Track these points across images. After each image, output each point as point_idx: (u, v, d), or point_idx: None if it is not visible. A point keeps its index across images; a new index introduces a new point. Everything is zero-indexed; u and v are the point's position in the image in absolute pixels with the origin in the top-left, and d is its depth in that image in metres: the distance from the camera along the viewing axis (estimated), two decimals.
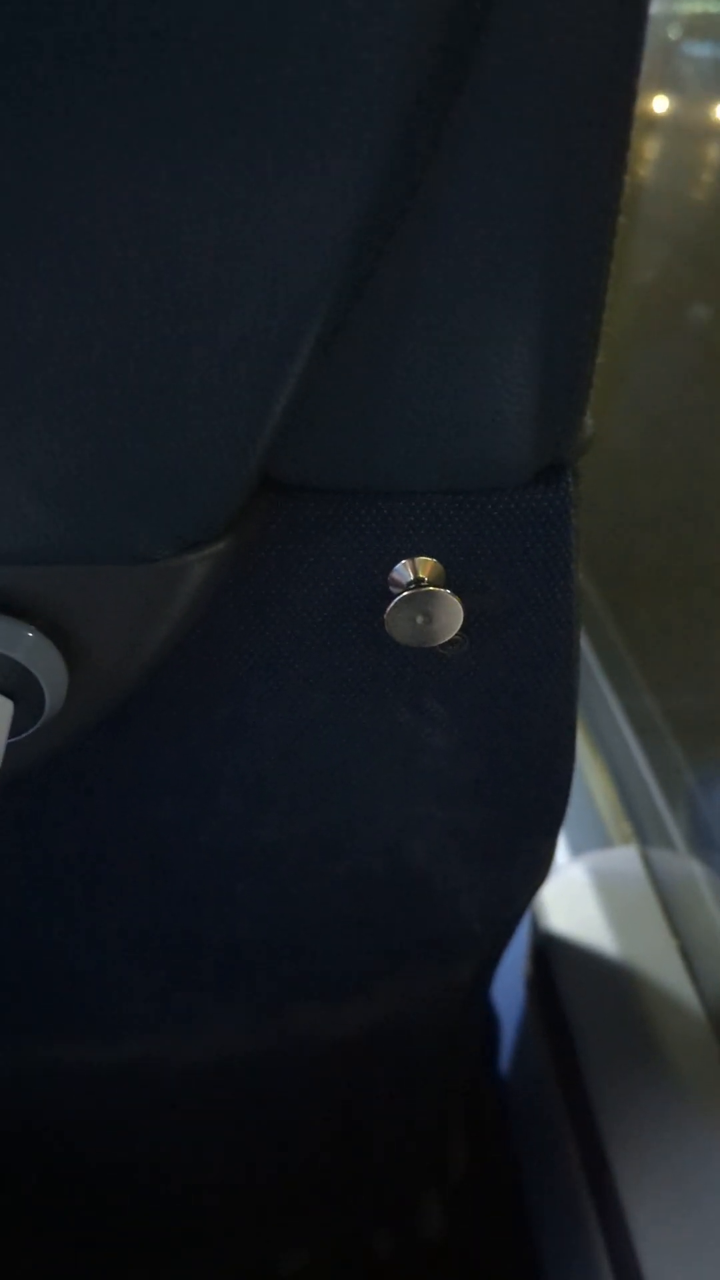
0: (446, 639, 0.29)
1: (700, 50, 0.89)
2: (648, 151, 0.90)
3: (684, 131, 0.91)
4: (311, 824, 0.37)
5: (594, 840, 0.75)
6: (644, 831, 0.73)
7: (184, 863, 0.38)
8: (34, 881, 0.38)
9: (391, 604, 0.29)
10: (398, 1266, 0.63)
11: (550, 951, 0.58)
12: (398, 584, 0.29)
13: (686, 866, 0.64)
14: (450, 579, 0.30)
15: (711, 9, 0.87)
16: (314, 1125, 0.56)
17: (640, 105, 0.21)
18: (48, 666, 0.26)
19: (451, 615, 0.29)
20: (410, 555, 0.29)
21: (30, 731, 0.27)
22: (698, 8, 0.87)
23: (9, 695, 0.26)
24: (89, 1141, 0.54)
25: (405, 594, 0.29)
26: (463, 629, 0.29)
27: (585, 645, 0.90)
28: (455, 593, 0.29)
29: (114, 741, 0.34)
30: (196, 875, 0.38)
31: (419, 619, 0.29)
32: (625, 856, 0.64)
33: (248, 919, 0.40)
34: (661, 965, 0.56)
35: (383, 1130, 0.58)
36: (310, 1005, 0.46)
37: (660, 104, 0.89)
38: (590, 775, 0.81)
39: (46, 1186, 0.56)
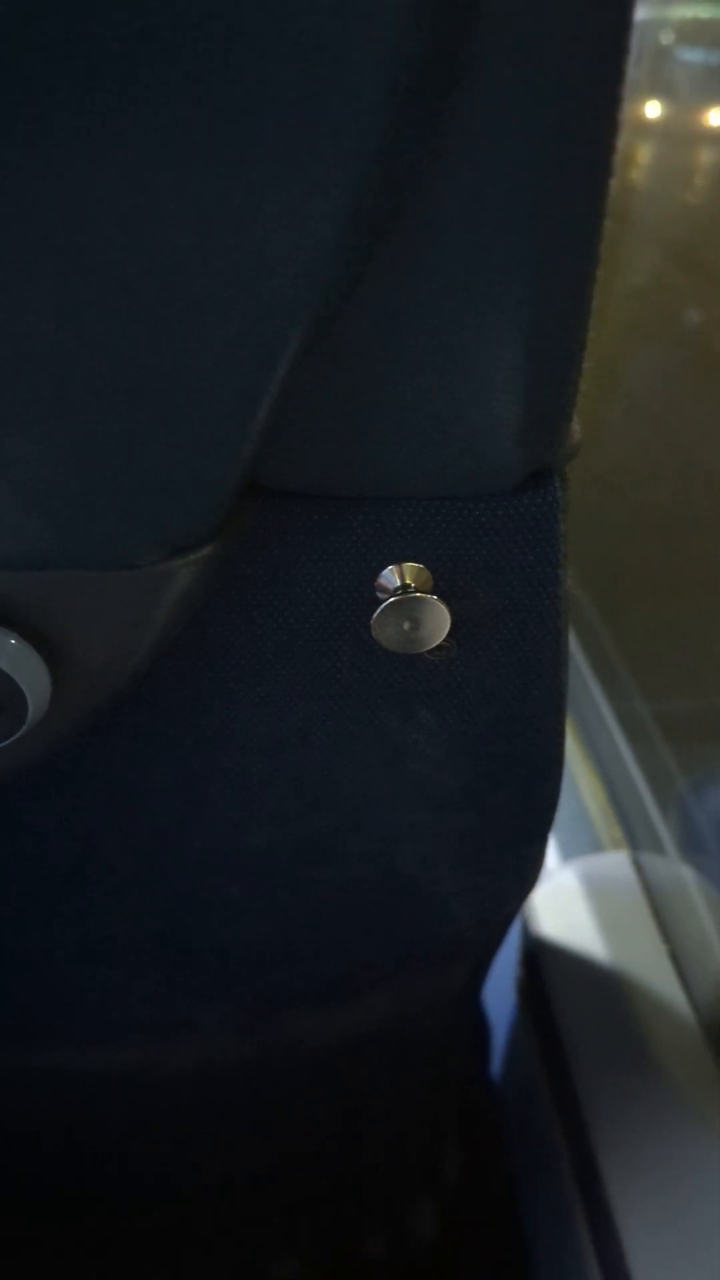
0: (434, 645, 0.29)
1: (692, 55, 0.89)
2: (640, 156, 0.90)
3: (676, 137, 0.91)
4: (301, 829, 0.36)
5: (585, 845, 0.75)
6: (635, 836, 0.74)
7: (175, 867, 0.38)
8: (23, 887, 0.38)
9: (378, 610, 0.29)
10: (391, 1271, 0.63)
11: (541, 956, 0.58)
12: (384, 590, 0.29)
13: (677, 871, 0.64)
14: (438, 585, 0.29)
15: (704, 14, 0.87)
16: (306, 1130, 0.55)
17: (633, 111, 0.21)
18: (30, 674, 0.26)
19: (439, 621, 0.29)
20: (397, 561, 0.29)
21: (13, 739, 0.27)
22: (689, 13, 0.88)
23: None
24: (81, 1146, 0.54)
25: (392, 600, 0.29)
26: (450, 635, 0.29)
27: (576, 649, 0.90)
28: (442, 599, 0.29)
29: (102, 746, 0.34)
30: (187, 880, 0.38)
31: (406, 625, 0.29)
32: (616, 861, 0.64)
33: (239, 924, 0.40)
34: (652, 970, 0.56)
35: (375, 1134, 0.57)
36: (302, 1010, 0.46)
37: (652, 109, 0.89)
38: (581, 780, 0.81)
39: (39, 1190, 0.56)
